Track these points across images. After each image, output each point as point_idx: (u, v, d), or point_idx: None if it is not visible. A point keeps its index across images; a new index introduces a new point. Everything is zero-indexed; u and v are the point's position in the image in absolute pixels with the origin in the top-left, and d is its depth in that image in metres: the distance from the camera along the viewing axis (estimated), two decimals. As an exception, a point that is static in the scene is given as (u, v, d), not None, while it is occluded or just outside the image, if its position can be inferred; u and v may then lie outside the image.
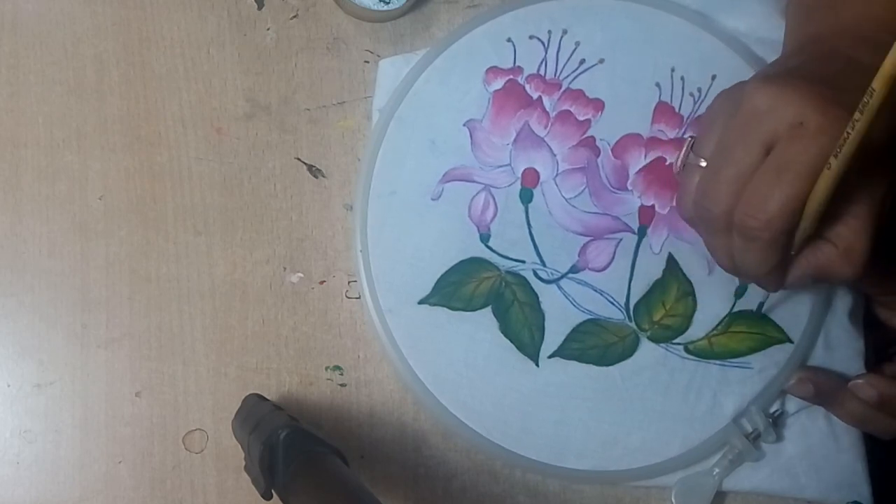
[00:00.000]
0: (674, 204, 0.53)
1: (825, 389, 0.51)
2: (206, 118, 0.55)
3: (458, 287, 0.52)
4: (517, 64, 0.54)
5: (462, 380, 0.52)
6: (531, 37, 0.54)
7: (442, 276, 0.52)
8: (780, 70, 0.45)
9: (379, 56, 0.56)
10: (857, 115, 0.37)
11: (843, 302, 0.53)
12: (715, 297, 0.53)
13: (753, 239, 0.42)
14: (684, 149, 0.49)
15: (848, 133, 0.38)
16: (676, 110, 0.54)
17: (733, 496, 0.54)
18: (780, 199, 0.41)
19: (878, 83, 0.36)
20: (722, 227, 0.44)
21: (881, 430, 0.51)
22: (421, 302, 0.52)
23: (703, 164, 0.45)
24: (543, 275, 0.53)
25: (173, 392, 0.53)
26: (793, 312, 0.53)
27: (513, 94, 0.54)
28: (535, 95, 0.54)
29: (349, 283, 0.55)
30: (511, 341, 0.52)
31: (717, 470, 0.52)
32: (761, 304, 0.52)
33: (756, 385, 0.52)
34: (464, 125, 0.54)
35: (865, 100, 0.36)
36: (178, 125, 0.55)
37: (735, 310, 0.53)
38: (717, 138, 0.44)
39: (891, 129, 0.41)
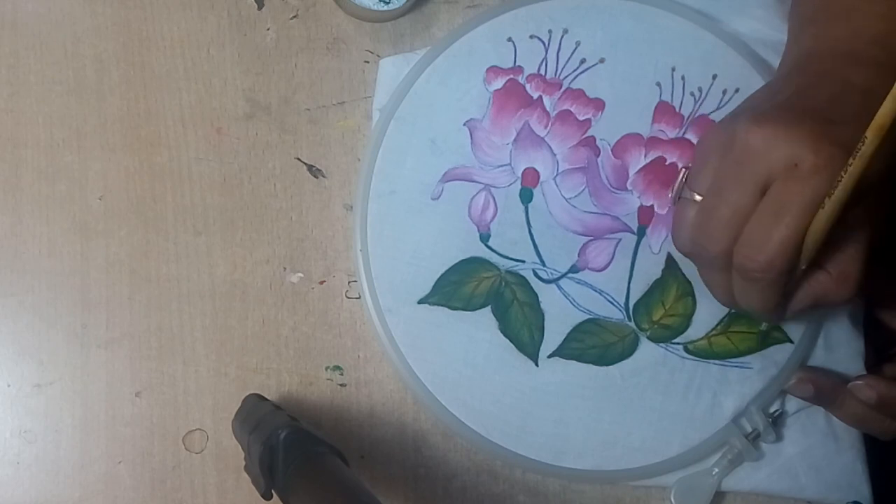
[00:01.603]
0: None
1: (825, 390, 0.51)
2: (206, 118, 0.55)
3: (458, 286, 0.52)
4: (517, 63, 0.54)
5: (462, 379, 0.52)
6: (532, 36, 0.54)
7: (442, 275, 0.52)
8: (773, 104, 0.45)
9: (379, 56, 0.56)
10: (850, 160, 0.38)
11: (843, 302, 0.53)
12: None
13: (754, 280, 0.43)
14: (678, 180, 0.49)
15: (842, 176, 0.38)
16: (677, 110, 0.54)
17: (733, 496, 0.54)
18: (779, 240, 0.41)
19: (871, 132, 0.36)
20: (720, 266, 0.45)
21: (881, 430, 0.51)
22: (421, 301, 0.52)
23: (698, 198, 0.46)
24: (543, 274, 0.53)
25: (173, 392, 0.53)
26: (793, 312, 0.53)
27: (513, 94, 0.54)
28: (535, 95, 0.54)
29: (349, 283, 0.55)
30: (511, 341, 0.52)
31: (716, 470, 0.52)
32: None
33: (756, 385, 0.52)
34: (464, 125, 0.54)
35: (859, 146, 0.37)
36: (178, 125, 0.55)
37: (734, 310, 0.53)
38: (712, 175, 0.45)
39: (885, 167, 0.41)
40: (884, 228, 0.44)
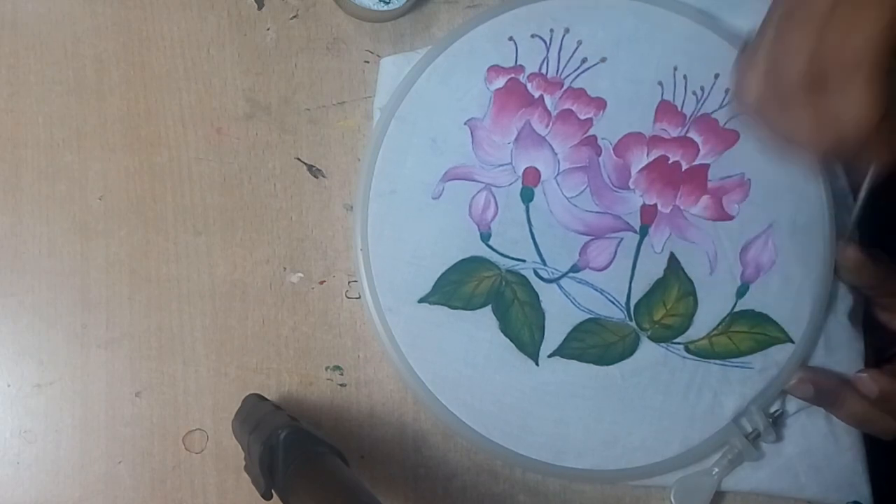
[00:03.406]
0: (677, 202, 0.53)
1: (825, 390, 0.51)
2: (206, 118, 0.55)
3: (459, 286, 0.52)
4: (519, 62, 0.54)
5: (462, 379, 0.52)
6: (533, 35, 0.54)
7: (442, 274, 0.52)
8: None
9: (379, 56, 0.55)
10: None
11: (843, 303, 0.53)
12: (716, 297, 0.52)
13: (849, 80, 0.39)
14: (738, 51, 0.46)
15: None
16: (679, 109, 0.54)
17: (733, 496, 0.54)
18: (868, 28, 0.38)
19: None
20: (803, 87, 0.40)
21: (881, 430, 0.51)
22: (421, 300, 0.52)
23: (762, 54, 0.43)
24: (544, 274, 0.53)
25: (173, 392, 0.53)
26: (793, 312, 0.52)
27: (514, 93, 0.54)
28: (536, 94, 0.54)
29: (349, 283, 0.55)
30: (511, 340, 0.52)
31: (716, 469, 0.52)
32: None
33: (756, 385, 0.52)
34: (465, 124, 0.54)
35: None
36: (178, 125, 0.55)
37: (736, 309, 0.52)
38: (779, 13, 0.43)
39: None
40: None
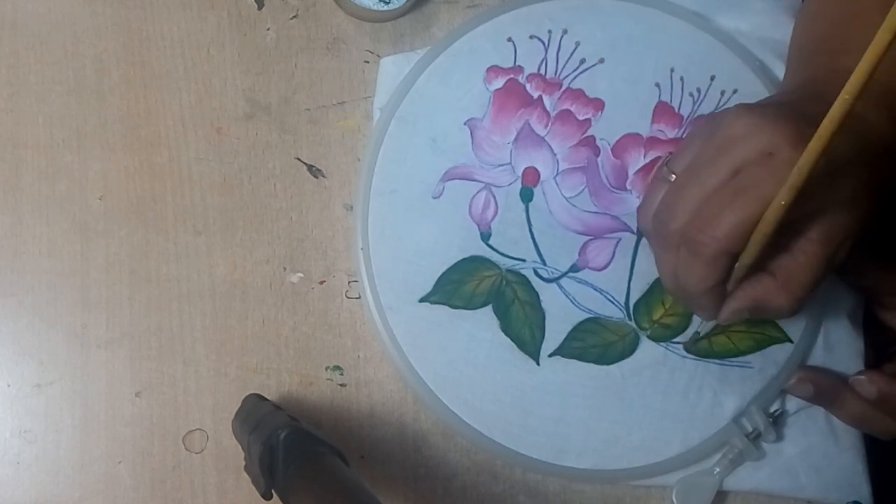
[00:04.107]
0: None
1: (825, 389, 0.51)
2: (206, 118, 0.55)
3: (459, 285, 0.52)
4: (518, 63, 0.54)
5: (463, 378, 0.52)
6: (531, 36, 0.54)
7: (443, 274, 0.52)
8: (766, 101, 0.45)
9: (379, 56, 0.56)
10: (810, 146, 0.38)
11: (843, 302, 0.53)
12: (715, 296, 0.53)
13: (698, 253, 0.43)
14: (659, 163, 0.49)
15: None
16: (676, 110, 0.54)
17: (734, 496, 0.54)
18: (732, 219, 0.41)
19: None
20: (674, 243, 0.44)
21: (881, 430, 0.51)
22: (422, 300, 0.52)
23: (673, 178, 0.46)
24: (544, 273, 0.53)
25: (173, 392, 0.53)
26: (793, 311, 0.53)
27: (513, 94, 0.54)
28: (535, 95, 0.54)
29: (349, 282, 0.55)
30: (512, 340, 0.52)
31: (717, 469, 0.52)
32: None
33: (756, 384, 0.52)
34: (465, 124, 0.54)
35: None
36: (178, 125, 0.55)
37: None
38: (691, 157, 0.45)
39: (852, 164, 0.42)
40: (855, 248, 0.44)
